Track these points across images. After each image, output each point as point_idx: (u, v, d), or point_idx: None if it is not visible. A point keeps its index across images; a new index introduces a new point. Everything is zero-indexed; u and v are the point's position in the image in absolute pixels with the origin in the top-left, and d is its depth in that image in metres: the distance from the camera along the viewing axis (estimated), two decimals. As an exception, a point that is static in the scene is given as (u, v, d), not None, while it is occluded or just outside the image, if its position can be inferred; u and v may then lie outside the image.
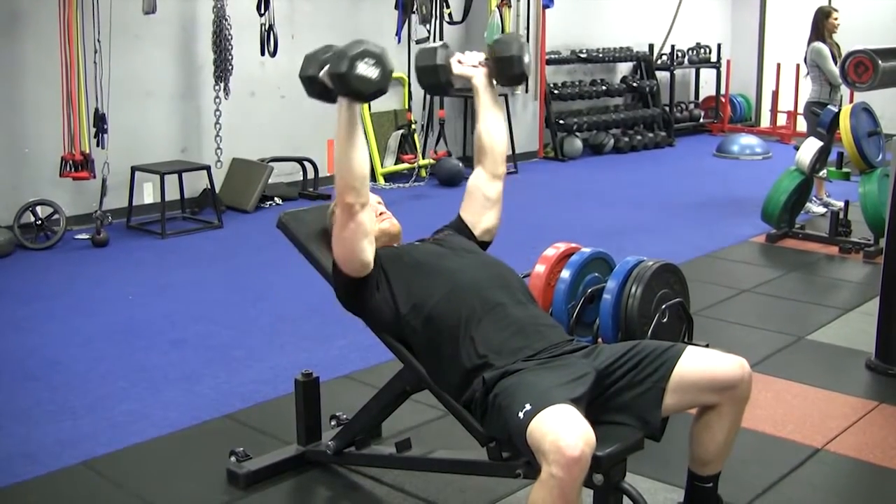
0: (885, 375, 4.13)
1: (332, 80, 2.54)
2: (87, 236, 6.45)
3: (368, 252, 2.69)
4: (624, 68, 11.36)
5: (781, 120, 11.55)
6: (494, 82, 3.02)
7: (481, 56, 3.01)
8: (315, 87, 2.72)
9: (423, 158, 8.73)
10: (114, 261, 6.06)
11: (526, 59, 2.94)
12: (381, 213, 2.97)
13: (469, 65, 2.99)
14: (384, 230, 2.95)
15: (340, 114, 2.58)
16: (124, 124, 6.80)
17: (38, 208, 6.37)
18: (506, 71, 2.95)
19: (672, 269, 4.08)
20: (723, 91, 12.05)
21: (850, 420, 3.67)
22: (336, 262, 2.75)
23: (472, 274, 2.74)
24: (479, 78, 3.00)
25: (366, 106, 8.56)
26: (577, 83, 10.58)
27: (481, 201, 3.02)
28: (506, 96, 9.35)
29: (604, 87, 10.68)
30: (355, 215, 2.62)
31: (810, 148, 6.47)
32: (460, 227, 3.02)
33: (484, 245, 3.01)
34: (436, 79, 2.96)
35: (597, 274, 4.10)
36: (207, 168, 7.05)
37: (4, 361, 4.29)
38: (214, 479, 3.17)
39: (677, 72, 11.67)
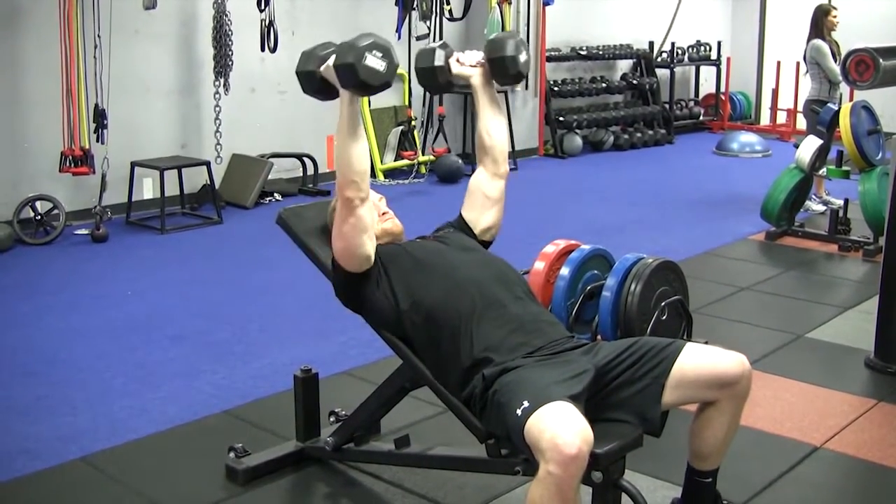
0: (883, 374, 4.14)
1: (340, 71, 2.54)
2: (86, 232, 6.45)
3: (368, 247, 2.70)
4: (624, 65, 11.35)
5: (781, 118, 11.55)
6: (493, 81, 3.01)
7: (480, 55, 2.99)
8: (313, 83, 2.74)
9: (423, 155, 8.72)
10: (113, 256, 6.06)
11: (522, 57, 2.92)
12: (383, 213, 2.98)
13: (468, 65, 2.98)
14: (386, 230, 2.95)
15: (342, 108, 2.60)
16: (124, 120, 6.79)
17: (38, 203, 6.36)
18: (502, 71, 2.94)
19: (671, 266, 4.08)
20: (723, 88, 12.04)
21: (848, 418, 3.67)
22: (336, 259, 2.75)
23: (473, 270, 2.75)
24: (477, 78, 2.98)
25: (365, 102, 8.56)
26: (577, 80, 10.57)
27: (481, 200, 3.02)
28: (506, 93, 9.35)
29: (604, 85, 10.68)
30: (355, 210, 2.63)
31: (810, 146, 6.47)
32: (462, 225, 3.02)
33: (485, 244, 3.01)
34: (434, 80, 2.97)
35: (596, 271, 4.10)
36: (207, 164, 7.04)
37: (3, 357, 4.29)
38: (213, 475, 3.17)
39: (677, 69, 11.66)
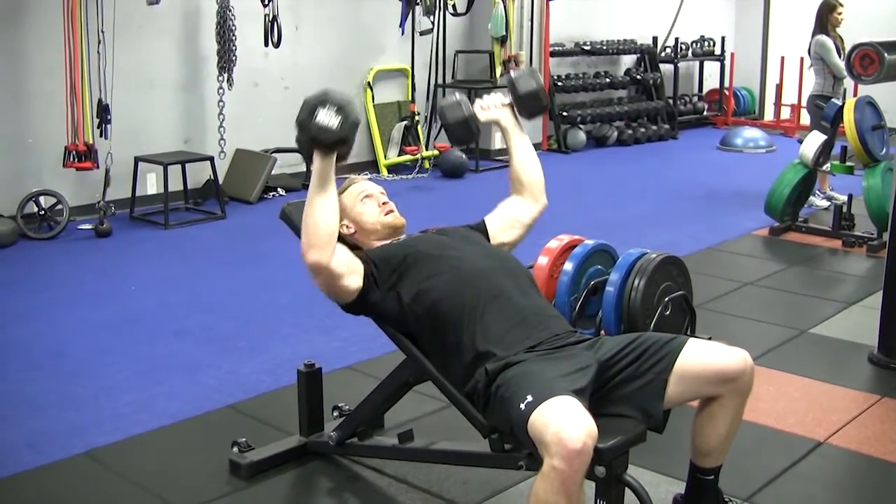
0: (887, 369, 4.13)
1: (298, 128, 2.52)
2: (90, 227, 6.45)
3: (352, 281, 2.70)
4: (628, 61, 11.33)
5: (785, 113, 11.52)
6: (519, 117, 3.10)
7: (501, 97, 3.10)
8: (300, 145, 2.68)
9: (427, 150, 8.72)
10: (117, 251, 6.07)
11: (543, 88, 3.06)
12: (384, 203, 2.98)
13: (493, 107, 3.08)
14: (387, 224, 2.95)
15: (314, 165, 2.57)
16: (128, 115, 6.79)
17: (42, 198, 6.37)
18: (530, 107, 3.06)
19: (675, 261, 4.07)
20: (726, 84, 12.02)
21: (852, 414, 3.67)
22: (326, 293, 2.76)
23: (477, 262, 2.75)
24: (507, 119, 3.09)
25: (369, 97, 8.56)
26: (580, 75, 10.55)
27: (511, 220, 3.07)
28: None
29: (607, 80, 10.65)
30: (324, 269, 2.61)
31: (814, 141, 6.46)
32: (481, 229, 3.04)
33: None
34: (469, 132, 3.04)
35: (600, 266, 4.09)
36: (211, 159, 7.05)
37: (8, 351, 4.29)
38: (217, 470, 3.18)
39: (681, 64, 11.64)
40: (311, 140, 2.52)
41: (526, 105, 3.05)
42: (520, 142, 3.10)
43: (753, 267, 5.89)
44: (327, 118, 2.45)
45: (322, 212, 2.57)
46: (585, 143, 10.28)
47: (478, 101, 3.08)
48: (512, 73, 3.10)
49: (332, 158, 2.56)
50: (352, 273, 2.70)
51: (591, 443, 2.15)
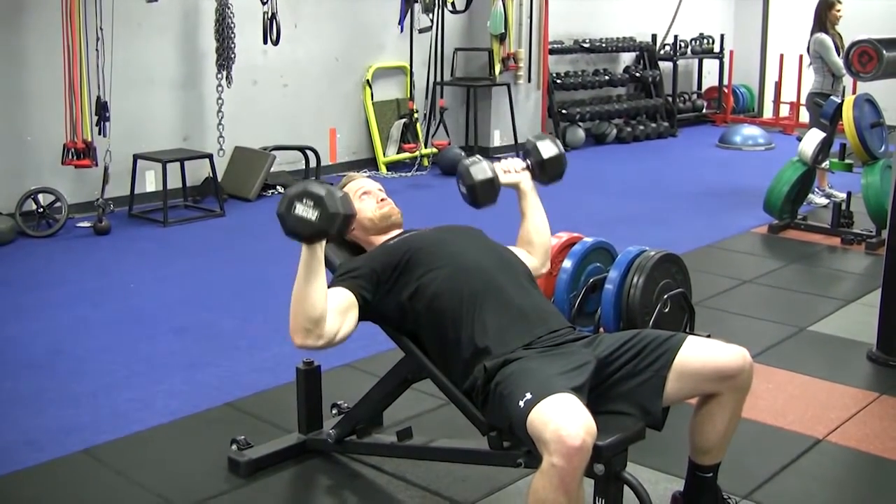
0: (886, 367, 4.14)
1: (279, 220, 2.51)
2: (88, 224, 6.45)
3: (347, 327, 2.66)
4: (627, 58, 11.34)
5: (784, 111, 11.52)
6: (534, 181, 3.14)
7: (520, 161, 3.13)
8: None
9: (426, 148, 8.72)
10: (115, 249, 6.06)
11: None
12: (381, 200, 3.00)
13: (514, 171, 3.10)
14: (385, 214, 2.97)
15: (301, 253, 2.56)
16: (126, 112, 6.79)
17: (40, 196, 6.37)
18: (552, 172, 3.12)
19: (674, 259, 4.08)
20: (726, 81, 12.03)
21: (850, 411, 3.67)
22: None
23: (476, 257, 2.75)
24: (527, 182, 3.12)
25: (368, 94, 8.56)
26: (579, 73, 10.55)
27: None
28: (508, 86, 9.35)
29: (606, 77, 10.66)
30: (312, 348, 2.61)
31: (813, 139, 6.46)
32: None
33: None
34: (495, 193, 3.03)
35: (598, 264, 4.11)
36: (209, 156, 7.05)
37: (6, 349, 4.29)
38: (215, 468, 3.18)
39: (680, 62, 11.64)
40: (290, 232, 2.52)
41: (549, 171, 3.11)
42: (536, 206, 3.13)
43: (752, 264, 5.89)
44: (304, 211, 2.45)
45: (308, 301, 2.56)
46: (584, 140, 10.28)
47: (498, 165, 3.09)
48: (534, 139, 3.12)
49: (315, 249, 2.54)
50: (344, 320, 2.66)
51: (591, 440, 2.15)
